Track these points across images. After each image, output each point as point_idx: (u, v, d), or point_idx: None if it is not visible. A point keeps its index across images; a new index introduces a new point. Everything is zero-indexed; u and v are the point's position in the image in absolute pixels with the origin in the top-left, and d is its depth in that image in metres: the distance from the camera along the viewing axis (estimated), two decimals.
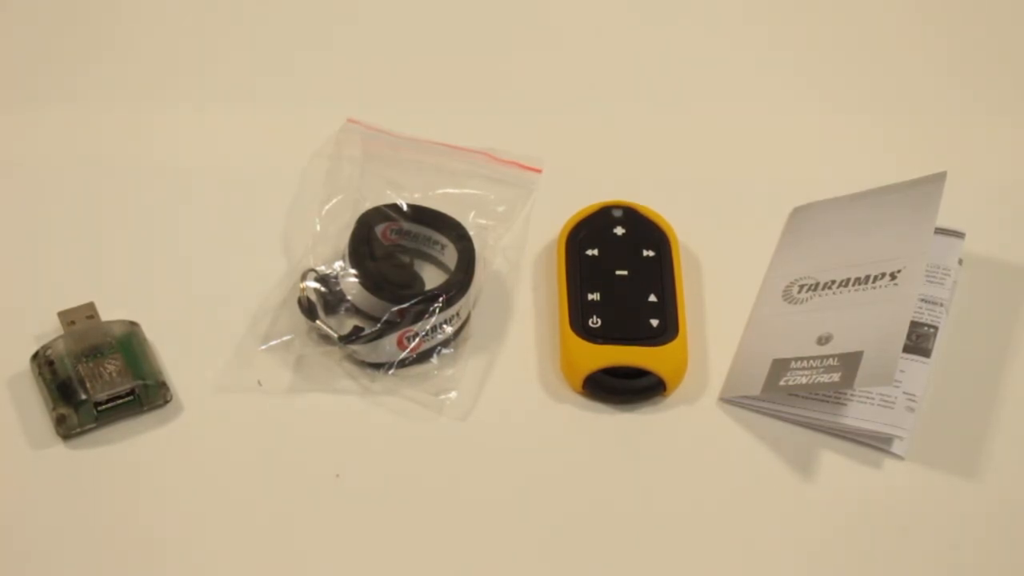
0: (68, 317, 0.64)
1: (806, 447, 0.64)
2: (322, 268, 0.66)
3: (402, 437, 0.63)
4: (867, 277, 0.66)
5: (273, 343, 0.65)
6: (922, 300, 0.67)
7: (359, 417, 0.64)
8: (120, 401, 0.62)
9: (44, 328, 0.64)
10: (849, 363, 0.62)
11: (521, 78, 0.78)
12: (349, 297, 0.66)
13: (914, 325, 0.66)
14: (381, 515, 0.61)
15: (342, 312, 0.66)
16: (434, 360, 0.65)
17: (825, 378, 0.62)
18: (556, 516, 0.62)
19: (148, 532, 0.60)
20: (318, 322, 0.65)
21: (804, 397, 0.64)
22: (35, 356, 0.63)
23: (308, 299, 0.65)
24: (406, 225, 0.68)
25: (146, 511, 0.61)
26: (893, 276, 0.65)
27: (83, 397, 0.61)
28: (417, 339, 0.64)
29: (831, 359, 0.63)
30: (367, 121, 0.72)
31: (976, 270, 0.69)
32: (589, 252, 0.68)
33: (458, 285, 0.65)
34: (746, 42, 0.81)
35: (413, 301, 0.64)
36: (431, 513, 0.61)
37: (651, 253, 0.68)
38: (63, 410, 0.61)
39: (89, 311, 0.65)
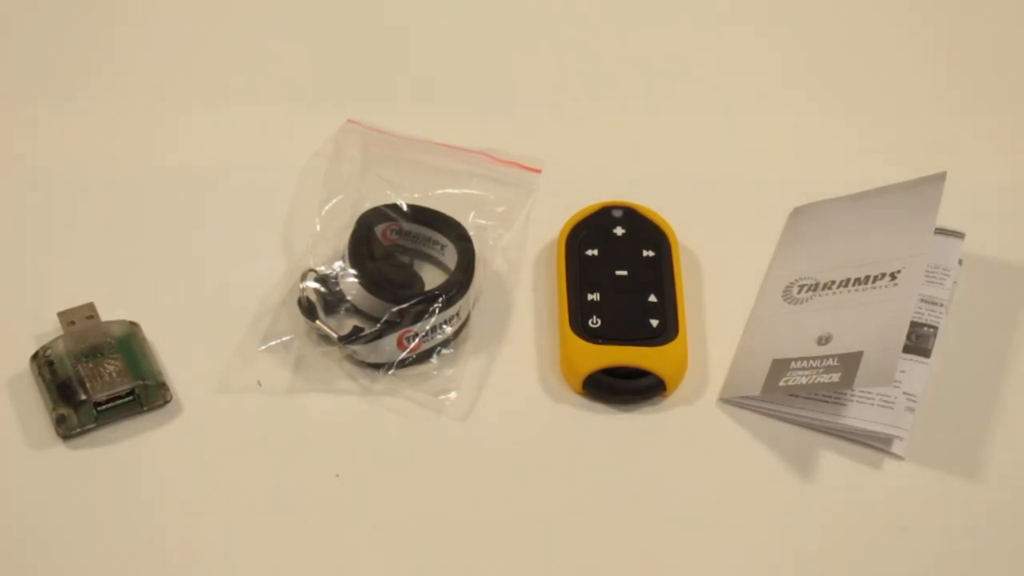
0: (68, 317, 0.64)
1: (806, 447, 0.64)
2: (322, 268, 0.66)
3: (402, 437, 0.63)
4: (867, 277, 0.66)
5: (273, 343, 0.65)
6: (922, 300, 0.67)
7: (359, 417, 0.64)
8: (120, 401, 0.62)
9: (44, 328, 0.65)
10: (849, 363, 0.62)
11: (521, 78, 0.78)
12: (349, 297, 0.66)
13: (914, 325, 0.66)
14: (381, 515, 0.61)
15: (342, 312, 0.66)
16: (434, 360, 0.65)
17: (825, 378, 0.62)
18: (556, 516, 0.62)
19: (148, 532, 0.60)
20: (318, 322, 0.65)
21: (804, 397, 0.64)
22: (35, 356, 0.63)
23: (308, 299, 0.65)
24: (406, 225, 0.68)
25: (146, 511, 0.61)
26: (893, 276, 0.65)
27: (83, 397, 0.61)
28: (417, 339, 0.64)
29: (831, 359, 0.63)
30: (367, 121, 0.72)
31: (976, 270, 0.69)
32: (589, 252, 0.68)
33: (458, 285, 0.65)
34: (746, 42, 0.81)
35: (413, 301, 0.64)
36: (431, 513, 0.61)
37: (651, 253, 0.68)
38: (63, 410, 0.61)
39: (89, 311, 0.65)
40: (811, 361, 0.64)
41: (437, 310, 0.64)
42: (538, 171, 0.71)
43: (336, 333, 0.64)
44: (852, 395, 0.64)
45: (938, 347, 0.66)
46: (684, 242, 0.69)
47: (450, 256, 0.67)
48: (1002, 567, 0.61)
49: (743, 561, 0.61)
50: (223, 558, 0.60)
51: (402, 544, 0.60)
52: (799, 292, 0.68)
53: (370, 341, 0.64)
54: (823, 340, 0.64)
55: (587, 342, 0.65)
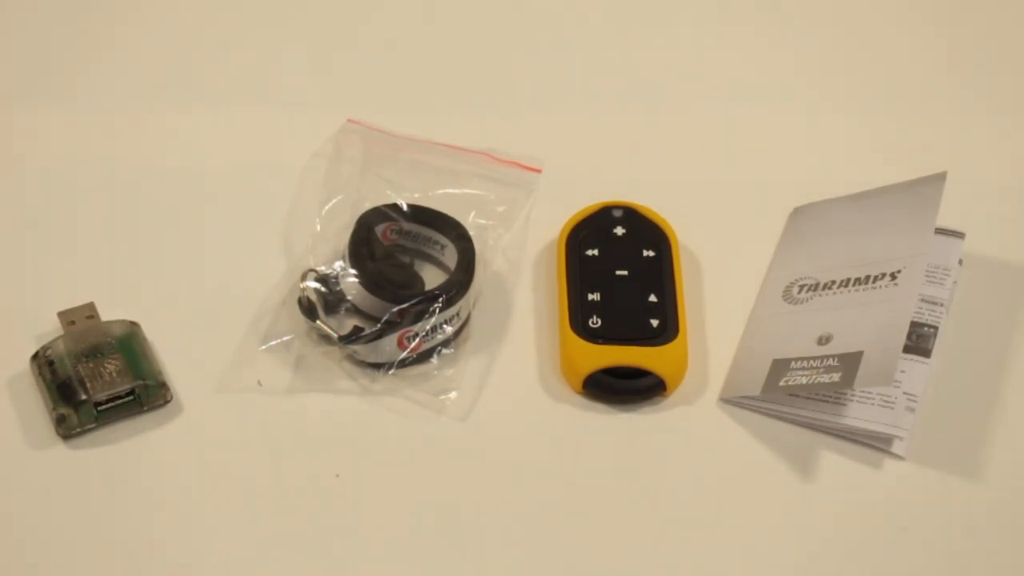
0: (68, 317, 0.64)
1: (806, 447, 0.64)
2: (322, 268, 0.66)
3: (402, 437, 0.63)
4: (867, 277, 0.66)
5: (273, 343, 0.65)
6: (922, 300, 0.67)
7: (359, 417, 0.64)
8: (120, 401, 0.62)
9: (44, 328, 0.64)
10: (849, 363, 0.62)
11: (521, 78, 0.78)
12: (349, 297, 0.66)
13: (914, 325, 0.66)
14: (381, 515, 0.61)
15: (342, 312, 0.66)
16: (434, 360, 0.65)
17: (825, 378, 0.62)
18: (556, 516, 0.62)
19: (148, 532, 0.60)
20: (318, 322, 0.65)
21: (804, 397, 0.64)
22: (35, 356, 0.63)
23: (308, 299, 0.65)
24: (406, 225, 0.68)
25: (146, 511, 0.61)
26: (893, 276, 0.65)
27: (83, 397, 0.61)
28: (417, 339, 0.64)
29: (831, 359, 0.63)
30: (367, 121, 0.72)
31: (976, 270, 0.69)
32: (589, 252, 0.68)
33: (458, 285, 0.65)
34: (746, 42, 0.81)
35: (413, 301, 0.64)
36: (431, 513, 0.61)
37: (651, 253, 0.68)
38: (63, 410, 0.61)
39: (89, 311, 0.65)
40: (811, 361, 0.64)
41: (437, 310, 0.64)
42: (538, 171, 0.71)
43: (336, 333, 0.64)
44: (852, 395, 0.64)
45: (938, 347, 0.66)
46: (684, 242, 0.69)
47: (450, 256, 0.67)
48: (1002, 567, 0.61)
49: (743, 561, 0.61)
50: (223, 558, 0.60)
51: (402, 544, 0.60)
52: (799, 292, 0.68)
53: (370, 341, 0.64)
54: (823, 340, 0.64)
55: (587, 342, 0.65)
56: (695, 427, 0.64)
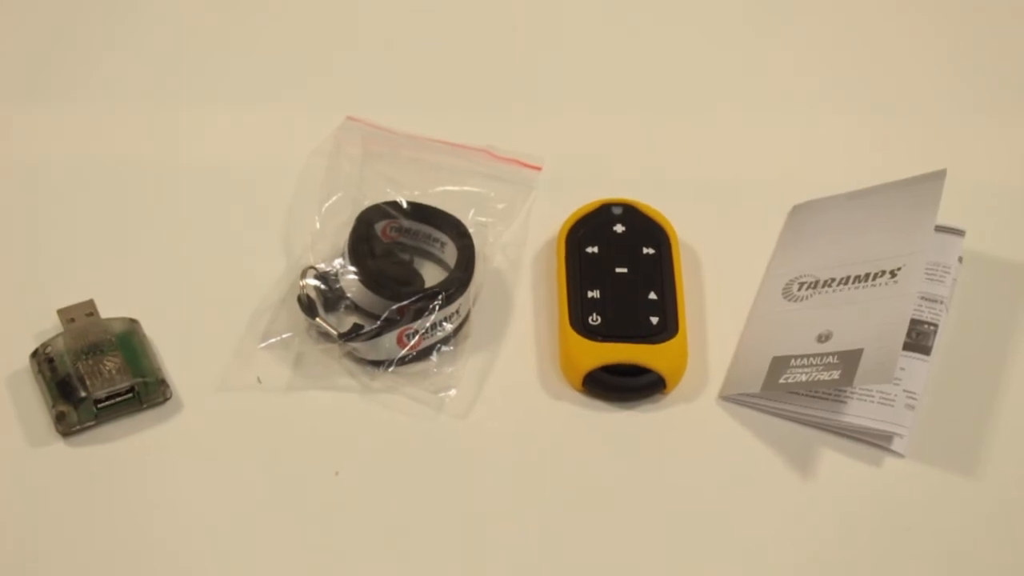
0: (68, 314, 0.64)
1: (806, 445, 0.64)
2: (322, 265, 0.66)
3: (401, 435, 0.63)
4: (867, 275, 0.66)
5: (273, 340, 0.65)
6: (922, 298, 0.67)
7: (359, 415, 0.64)
8: (119, 398, 0.62)
9: (44, 325, 0.64)
10: (849, 361, 0.62)
11: (521, 76, 0.78)
12: (349, 295, 0.66)
13: (914, 323, 0.66)
14: (381, 513, 0.61)
15: (342, 309, 0.66)
16: (434, 358, 0.65)
17: (825, 376, 0.62)
18: (556, 514, 0.62)
19: (148, 530, 0.60)
20: (318, 319, 0.65)
21: (804, 395, 0.64)
22: (35, 353, 0.63)
23: (308, 296, 0.65)
24: (406, 223, 0.68)
25: (146, 509, 0.61)
26: (893, 274, 0.65)
27: (83, 394, 0.61)
28: (417, 337, 0.64)
29: (831, 357, 0.63)
30: (367, 119, 0.72)
31: (976, 268, 0.69)
32: (589, 250, 0.68)
33: (458, 282, 0.65)
34: (746, 41, 0.81)
35: (413, 299, 0.64)
36: (431, 511, 0.61)
37: (651, 251, 0.68)
38: (63, 407, 0.61)
39: (89, 308, 0.65)
40: (811, 358, 0.64)
41: (437, 307, 0.64)
42: (538, 168, 0.71)
43: (336, 330, 0.64)
44: (852, 392, 0.64)
45: (938, 344, 0.66)
46: (684, 239, 0.69)
47: (450, 253, 0.67)
48: (1002, 567, 0.61)
49: (743, 558, 0.61)
50: (223, 555, 0.60)
51: (402, 542, 0.60)
52: (799, 289, 0.68)
53: (370, 338, 0.64)
54: (823, 337, 0.64)
55: (587, 339, 0.65)
56: (695, 425, 0.64)
